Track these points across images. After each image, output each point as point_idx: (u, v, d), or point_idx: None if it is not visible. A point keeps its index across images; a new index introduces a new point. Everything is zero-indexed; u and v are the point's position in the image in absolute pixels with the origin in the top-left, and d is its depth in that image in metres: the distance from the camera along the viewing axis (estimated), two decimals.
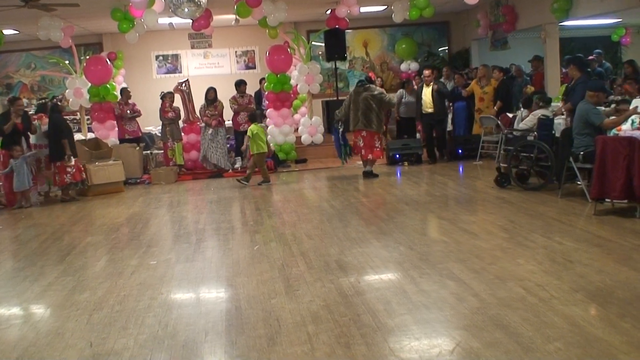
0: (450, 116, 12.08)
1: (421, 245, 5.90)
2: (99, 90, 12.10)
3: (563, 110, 8.80)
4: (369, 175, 10.32)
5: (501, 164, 8.73)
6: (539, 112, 8.49)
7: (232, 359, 3.72)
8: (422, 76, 11.92)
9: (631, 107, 7.38)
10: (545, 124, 8.21)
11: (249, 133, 10.27)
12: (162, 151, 12.23)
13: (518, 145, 8.27)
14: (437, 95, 11.00)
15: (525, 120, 8.71)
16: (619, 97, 9.19)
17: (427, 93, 11.12)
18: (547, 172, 8.08)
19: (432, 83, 11.12)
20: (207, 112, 11.97)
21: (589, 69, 12.00)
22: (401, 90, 12.80)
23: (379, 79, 14.32)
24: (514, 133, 8.80)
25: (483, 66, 11.95)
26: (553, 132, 8.28)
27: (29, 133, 10.03)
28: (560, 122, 8.72)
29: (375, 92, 10.23)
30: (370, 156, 10.38)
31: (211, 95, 12.02)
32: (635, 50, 15.41)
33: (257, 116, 11.08)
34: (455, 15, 15.66)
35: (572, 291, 4.37)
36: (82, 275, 5.67)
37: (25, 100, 12.80)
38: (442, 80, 12.56)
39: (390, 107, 10.58)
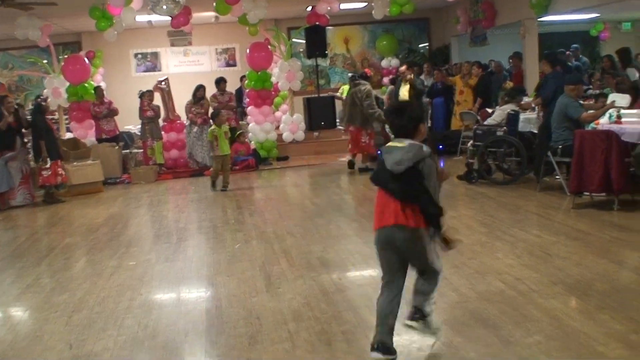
0: (429, 112, 12.07)
1: None
2: (77, 89, 11.97)
3: (533, 104, 8.83)
4: (363, 170, 10.07)
5: (469, 160, 8.67)
6: (507, 107, 8.52)
7: (213, 359, 3.70)
8: (397, 73, 11.76)
9: (608, 102, 7.46)
10: (514, 118, 8.25)
11: (229, 134, 9.99)
12: (142, 150, 12.11)
13: (488, 141, 8.28)
14: (413, 93, 10.74)
15: (494, 115, 8.72)
16: (597, 92, 9.30)
17: (404, 91, 10.86)
18: (518, 166, 8.13)
19: (409, 79, 10.84)
20: (193, 109, 11.88)
21: (569, 64, 12.12)
22: (392, 86, 12.70)
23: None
24: (484, 128, 8.72)
25: (467, 63, 11.99)
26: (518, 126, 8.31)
27: (23, 130, 9.91)
28: (534, 117, 8.72)
29: (363, 91, 9.88)
30: (356, 152, 10.35)
31: (200, 94, 11.88)
32: (614, 45, 15.49)
33: (215, 116, 10.13)
34: (435, 12, 15.71)
35: (551, 284, 4.40)
36: (61, 277, 5.61)
37: None
38: (423, 77, 12.55)
39: (367, 115, 9.74)
